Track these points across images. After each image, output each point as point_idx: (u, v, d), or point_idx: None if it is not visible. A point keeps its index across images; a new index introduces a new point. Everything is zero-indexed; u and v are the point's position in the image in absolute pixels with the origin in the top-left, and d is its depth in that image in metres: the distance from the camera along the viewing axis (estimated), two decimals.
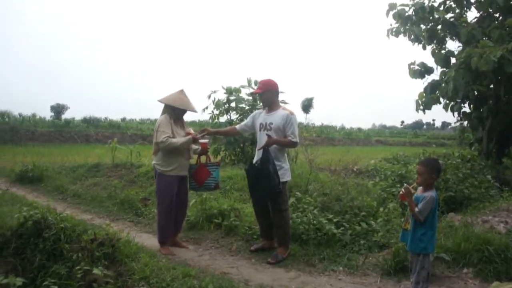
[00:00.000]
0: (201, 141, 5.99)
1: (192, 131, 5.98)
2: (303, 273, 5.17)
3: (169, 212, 5.89)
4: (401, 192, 4.15)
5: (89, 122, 39.03)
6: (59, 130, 32.92)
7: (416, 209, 3.98)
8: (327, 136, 43.09)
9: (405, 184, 4.37)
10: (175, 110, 5.89)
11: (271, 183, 5.32)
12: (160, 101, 5.96)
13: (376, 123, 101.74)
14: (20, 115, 37.21)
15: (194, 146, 6.05)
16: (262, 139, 5.62)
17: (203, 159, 6.15)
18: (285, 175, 5.62)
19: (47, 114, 43.96)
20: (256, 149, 5.83)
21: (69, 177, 12.08)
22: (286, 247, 5.67)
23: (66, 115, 44.84)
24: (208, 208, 7.06)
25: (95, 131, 34.71)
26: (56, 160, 15.44)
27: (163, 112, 5.97)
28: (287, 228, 5.69)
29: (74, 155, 16.68)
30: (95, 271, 4.28)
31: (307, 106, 75.33)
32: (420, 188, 4.17)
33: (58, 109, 48.12)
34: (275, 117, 5.64)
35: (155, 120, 30.73)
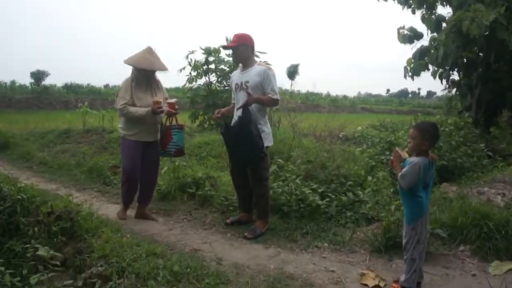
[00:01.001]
0: (169, 101, 5.44)
1: (159, 99, 5.30)
2: (284, 250, 4.63)
3: (128, 177, 5.50)
4: (391, 158, 3.62)
5: (69, 88, 38.09)
6: (37, 97, 32.02)
7: (400, 174, 3.45)
8: (312, 103, 42.64)
9: (395, 148, 3.78)
10: (140, 71, 5.33)
11: (254, 146, 4.76)
12: (125, 62, 5.38)
13: (361, 91, 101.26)
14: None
15: (165, 108, 5.39)
16: (240, 99, 5.03)
17: (172, 121, 5.53)
18: (266, 140, 5.03)
19: (28, 81, 42.85)
20: (235, 109, 5.23)
21: (37, 144, 11.48)
22: (266, 220, 5.16)
23: (47, 82, 43.58)
24: (181, 177, 6.51)
25: (74, 97, 33.74)
26: (30, 126, 14.77)
27: (131, 73, 5.42)
28: (268, 198, 5.17)
29: (50, 121, 15.94)
30: (41, 251, 3.71)
31: (292, 72, 74.21)
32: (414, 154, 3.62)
33: (38, 76, 46.68)
34: (250, 74, 5.06)
35: None
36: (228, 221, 5.40)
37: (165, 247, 4.46)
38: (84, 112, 12.43)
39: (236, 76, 5.30)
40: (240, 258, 4.34)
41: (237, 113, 5.02)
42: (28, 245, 4.03)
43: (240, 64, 5.34)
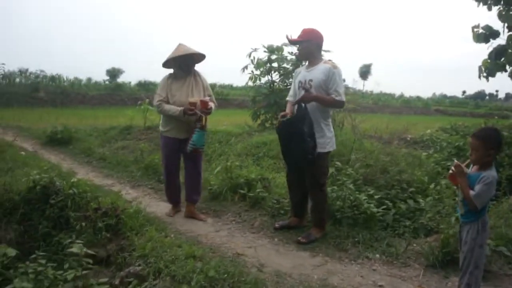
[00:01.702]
0: (201, 99, 5.26)
1: (195, 100, 5.19)
2: (332, 259, 4.33)
3: (167, 174, 5.65)
4: (450, 171, 3.21)
5: (142, 86, 39.00)
6: (110, 94, 32.90)
7: (472, 193, 3.03)
8: (384, 103, 41.81)
9: (455, 160, 3.34)
10: (176, 63, 5.35)
11: (304, 146, 4.47)
12: (163, 64, 5.49)
13: (436, 93, 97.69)
14: (76, 79, 37.44)
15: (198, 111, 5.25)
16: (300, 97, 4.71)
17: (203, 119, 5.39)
18: (327, 145, 4.70)
19: (104, 79, 44.22)
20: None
21: (99, 140, 11.71)
22: (322, 229, 4.87)
23: (122, 79, 44.87)
24: (234, 177, 6.32)
25: (146, 94, 34.52)
26: (98, 122, 15.16)
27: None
28: (324, 205, 4.88)
29: (119, 117, 16.23)
30: (74, 248, 3.63)
31: (365, 72, 73.12)
32: (475, 166, 3.21)
33: (113, 73, 48.22)
34: (315, 73, 4.70)
35: (212, 84, 30.09)
36: (277, 225, 5.16)
37: (207, 250, 4.32)
38: (146, 109, 12.52)
39: (301, 74, 4.96)
40: (283, 266, 4.10)
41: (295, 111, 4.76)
42: (70, 240, 4.01)
43: (305, 62, 5.06)
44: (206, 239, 4.77)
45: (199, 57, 5.52)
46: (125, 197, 6.07)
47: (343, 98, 4.68)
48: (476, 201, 3.02)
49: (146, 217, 4.99)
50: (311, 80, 4.69)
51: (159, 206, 6.03)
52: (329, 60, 4.91)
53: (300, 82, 4.84)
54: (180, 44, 5.39)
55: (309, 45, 4.80)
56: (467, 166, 3.21)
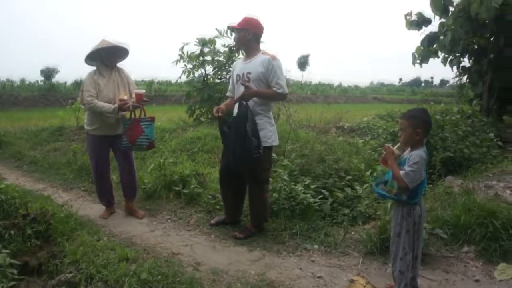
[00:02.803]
0: (136, 91, 5.12)
1: (124, 97, 5.04)
2: (270, 252, 4.26)
3: (97, 173, 5.45)
4: (382, 155, 3.19)
5: (78, 85, 38.00)
6: (44, 94, 31.84)
7: (402, 172, 3.00)
8: (322, 93, 42.28)
9: (385, 144, 3.34)
10: (99, 58, 5.17)
11: (248, 146, 4.24)
12: (86, 60, 5.25)
13: (374, 81, 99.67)
14: (8, 80, 36.02)
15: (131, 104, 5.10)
16: (239, 92, 4.50)
17: (137, 113, 5.20)
18: (269, 139, 4.51)
19: (39, 79, 42.74)
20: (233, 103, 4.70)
21: (30, 142, 11.13)
22: (260, 228, 4.75)
23: (57, 79, 43.47)
24: (168, 174, 6.15)
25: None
26: (32, 124, 14.51)
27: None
28: (266, 204, 4.73)
29: (53, 119, 15.60)
30: None
31: (303, 63, 73.53)
32: (409, 148, 3.19)
33: (48, 73, 46.73)
34: (253, 65, 4.49)
35: (150, 81, 29.46)
36: (212, 221, 5.05)
37: (142, 251, 4.19)
38: (77, 109, 12.05)
39: (238, 67, 4.74)
40: (220, 263, 4.00)
41: (236, 108, 4.56)
42: None
43: (242, 53, 4.87)
44: (140, 240, 4.62)
45: (122, 54, 5.33)
46: (57, 201, 5.84)
47: (286, 90, 4.50)
48: (406, 179, 2.99)
49: (78, 221, 4.79)
50: (249, 73, 4.49)
51: (92, 209, 5.83)
52: (268, 51, 4.73)
53: (238, 75, 4.65)
54: (103, 39, 5.18)
55: (246, 34, 4.57)
56: (400, 149, 3.19)
